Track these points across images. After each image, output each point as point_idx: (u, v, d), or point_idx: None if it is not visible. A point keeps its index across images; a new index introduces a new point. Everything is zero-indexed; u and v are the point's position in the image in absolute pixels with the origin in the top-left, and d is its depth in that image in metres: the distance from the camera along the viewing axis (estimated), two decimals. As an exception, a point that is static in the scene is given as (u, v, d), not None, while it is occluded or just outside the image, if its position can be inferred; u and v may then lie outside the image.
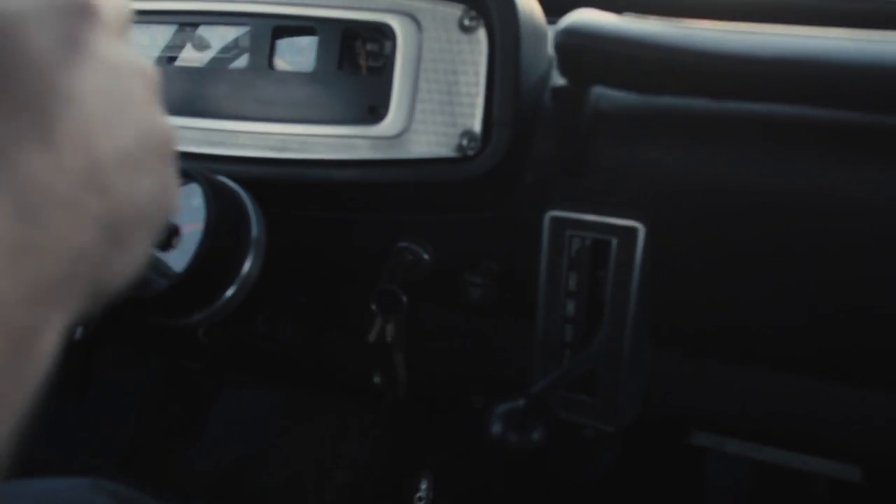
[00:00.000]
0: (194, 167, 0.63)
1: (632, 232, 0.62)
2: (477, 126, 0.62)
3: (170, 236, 0.61)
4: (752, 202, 0.58)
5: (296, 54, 0.71)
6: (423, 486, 1.08)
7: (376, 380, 0.80)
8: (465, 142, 0.62)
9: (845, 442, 0.68)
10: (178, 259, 0.61)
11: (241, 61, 0.72)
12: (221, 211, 0.61)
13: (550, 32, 0.64)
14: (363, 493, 1.15)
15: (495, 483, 1.11)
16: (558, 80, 0.62)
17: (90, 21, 0.28)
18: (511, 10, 0.59)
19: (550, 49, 0.65)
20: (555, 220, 0.64)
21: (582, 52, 0.51)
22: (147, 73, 0.31)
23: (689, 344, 0.69)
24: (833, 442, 0.70)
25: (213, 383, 1.26)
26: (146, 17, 0.77)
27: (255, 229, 0.63)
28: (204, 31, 0.74)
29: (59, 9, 0.27)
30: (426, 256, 0.70)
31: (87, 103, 0.26)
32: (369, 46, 0.68)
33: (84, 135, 0.26)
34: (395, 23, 0.65)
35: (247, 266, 0.63)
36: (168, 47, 0.77)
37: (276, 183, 0.69)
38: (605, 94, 0.60)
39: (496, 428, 0.56)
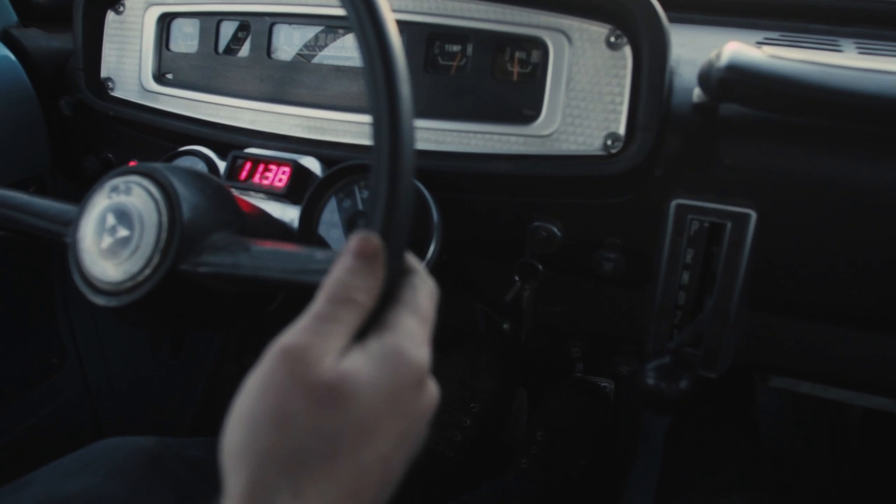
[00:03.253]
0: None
1: (745, 217, 0.75)
2: (622, 129, 0.74)
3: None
4: (846, 197, 0.71)
5: (447, 59, 0.81)
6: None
7: (505, 326, 0.93)
8: (609, 142, 0.74)
9: (893, 380, 0.83)
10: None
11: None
12: (416, 202, 0.72)
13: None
14: (489, 417, 1.37)
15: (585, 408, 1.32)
16: (684, 89, 0.74)
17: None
18: (660, 32, 0.70)
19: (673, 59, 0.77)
20: (679, 206, 0.76)
21: (738, 85, 0.63)
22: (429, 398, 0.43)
23: (777, 306, 0.83)
24: (883, 381, 0.85)
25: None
26: (302, 18, 0.86)
27: (435, 216, 0.75)
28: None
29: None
30: (558, 233, 0.82)
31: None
32: (519, 55, 0.79)
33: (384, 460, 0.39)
34: (547, 37, 0.76)
35: (431, 250, 0.75)
36: (317, 46, 0.87)
37: (435, 172, 0.80)
38: (729, 105, 0.72)
39: (650, 380, 0.70)
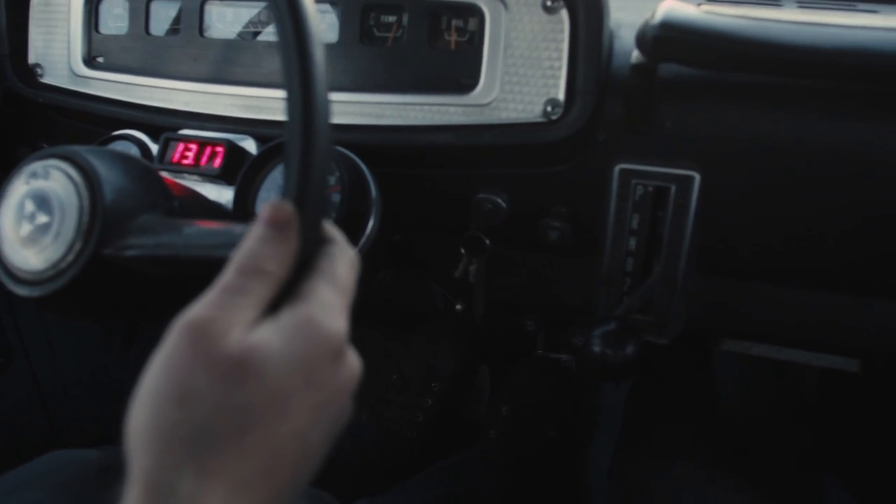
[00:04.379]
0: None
1: (688, 179, 0.74)
2: (561, 94, 0.73)
3: None
4: (788, 154, 0.71)
5: (383, 30, 0.79)
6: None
7: (458, 307, 0.92)
8: (549, 108, 0.73)
9: (851, 340, 0.84)
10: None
11: (332, 37, 0.80)
12: (351, 177, 0.71)
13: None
14: (451, 396, 1.37)
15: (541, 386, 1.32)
16: (624, 53, 0.73)
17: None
18: (595, -5, 0.69)
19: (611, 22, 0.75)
20: (623, 171, 0.76)
21: (674, 43, 0.62)
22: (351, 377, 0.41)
23: (726, 269, 0.82)
24: (839, 341, 0.85)
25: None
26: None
27: (373, 191, 0.73)
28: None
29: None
30: (504, 204, 0.81)
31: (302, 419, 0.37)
32: (455, 23, 0.77)
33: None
34: (483, 4, 0.74)
35: (370, 226, 0.73)
36: (252, 23, 0.84)
37: (373, 147, 0.78)
38: (668, 66, 0.71)
39: (596, 346, 0.69)
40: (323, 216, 0.43)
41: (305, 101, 0.41)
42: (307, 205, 0.41)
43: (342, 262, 0.42)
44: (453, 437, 1.40)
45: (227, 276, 0.38)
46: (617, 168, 0.75)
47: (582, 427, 1.38)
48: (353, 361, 0.41)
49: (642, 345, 0.71)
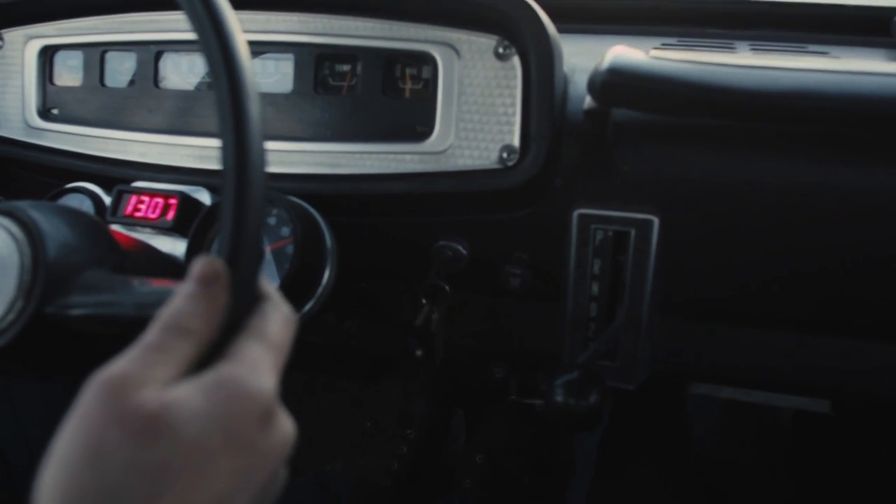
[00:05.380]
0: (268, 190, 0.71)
1: (648, 223, 0.74)
2: (516, 141, 0.72)
3: None
4: (745, 196, 0.70)
5: (338, 80, 0.79)
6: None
7: (418, 353, 0.90)
8: (505, 154, 0.72)
9: (817, 381, 0.83)
10: (269, 276, 0.70)
11: (286, 86, 0.80)
12: (305, 228, 0.69)
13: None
14: (426, 441, 1.34)
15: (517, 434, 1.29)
16: (578, 98, 0.72)
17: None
18: (545, 40, 0.69)
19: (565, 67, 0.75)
20: (582, 216, 0.75)
21: (622, 88, 0.61)
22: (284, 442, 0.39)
23: (691, 312, 0.81)
24: (806, 382, 0.84)
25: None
26: (190, 46, 0.83)
27: (329, 241, 0.72)
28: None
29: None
30: (464, 252, 0.80)
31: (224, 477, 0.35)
32: (409, 71, 0.77)
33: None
34: (435, 52, 0.74)
35: (326, 275, 0.72)
36: (206, 73, 0.84)
37: (330, 196, 0.77)
38: (622, 111, 0.71)
39: (559, 396, 0.67)
40: (256, 273, 0.41)
41: (238, 158, 0.40)
42: (239, 261, 0.40)
43: (275, 319, 0.40)
44: (430, 485, 1.37)
45: (149, 334, 0.37)
46: (576, 213, 0.75)
47: (557, 472, 1.36)
48: (284, 424, 0.39)
49: (605, 392, 0.69)
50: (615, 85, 0.61)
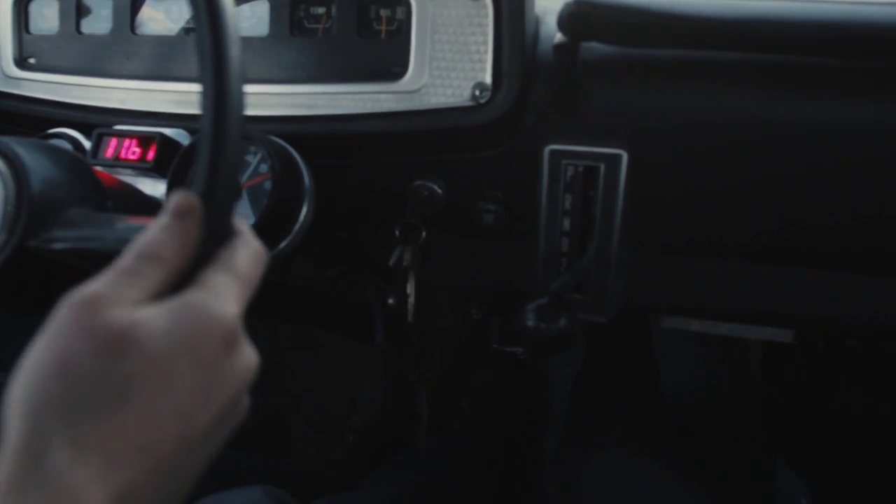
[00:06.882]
0: (248, 129, 0.73)
1: (616, 158, 0.76)
2: (488, 78, 0.74)
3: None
4: (714, 130, 0.73)
5: (313, 22, 0.80)
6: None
7: (391, 301, 0.93)
8: (477, 92, 0.74)
9: (782, 311, 0.86)
10: (243, 213, 0.71)
11: (262, 30, 0.81)
12: (283, 165, 0.71)
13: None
14: (376, 431, 1.32)
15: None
16: (549, 37, 0.74)
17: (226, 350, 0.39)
18: (514, -21, 0.70)
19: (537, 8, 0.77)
20: (552, 152, 0.77)
21: (589, 19, 0.63)
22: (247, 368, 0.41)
23: (660, 246, 0.84)
24: (772, 312, 0.88)
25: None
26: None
27: (307, 180, 0.74)
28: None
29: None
30: (439, 191, 0.82)
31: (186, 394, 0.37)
32: (383, 12, 0.78)
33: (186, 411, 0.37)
34: (408, -8, 0.75)
35: (303, 214, 0.73)
36: (183, 18, 0.85)
37: (307, 137, 0.79)
38: (591, 46, 0.73)
39: (530, 320, 0.70)
40: (229, 209, 0.44)
41: (216, 97, 0.42)
42: (213, 197, 0.42)
43: (244, 252, 0.43)
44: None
45: (123, 260, 0.39)
46: (547, 149, 0.77)
47: (537, 418, 1.40)
48: (248, 352, 0.41)
49: (574, 318, 0.72)
50: (582, 15, 0.63)
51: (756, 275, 0.84)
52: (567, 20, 0.64)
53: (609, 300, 0.84)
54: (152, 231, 0.40)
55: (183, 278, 0.41)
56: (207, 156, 0.42)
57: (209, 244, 0.42)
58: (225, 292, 0.40)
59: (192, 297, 0.39)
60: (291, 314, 1.18)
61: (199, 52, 0.43)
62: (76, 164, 0.66)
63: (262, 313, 1.37)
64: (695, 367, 1.29)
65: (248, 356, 0.41)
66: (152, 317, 0.37)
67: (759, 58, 0.68)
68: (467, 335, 1.37)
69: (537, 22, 0.77)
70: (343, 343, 1.33)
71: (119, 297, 0.37)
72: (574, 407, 1.09)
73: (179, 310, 0.38)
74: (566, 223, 0.81)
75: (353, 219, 0.89)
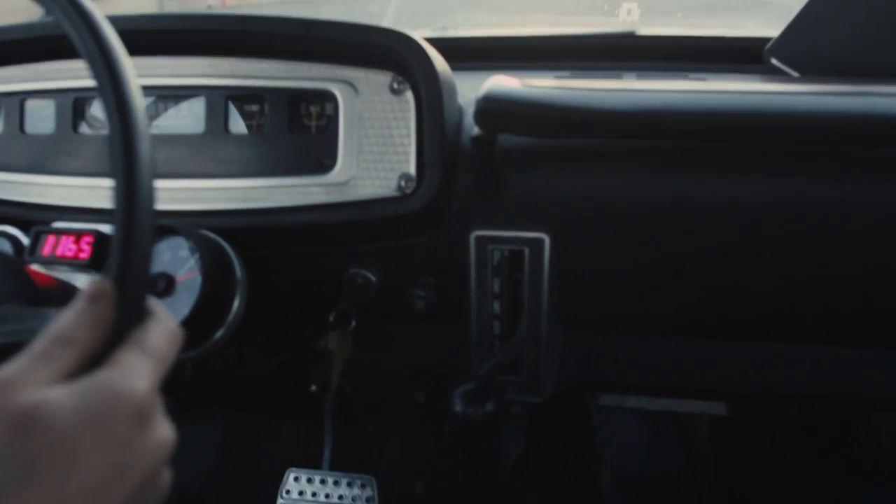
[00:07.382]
0: (178, 223, 0.75)
1: (539, 242, 0.79)
2: (412, 169, 0.77)
3: (167, 286, 0.73)
4: (627, 210, 0.76)
5: (247, 119, 0.84)
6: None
7: (313, 388, 0.92)
8: (403, 183, 0.78)
9: (714, 385, 0.88)
10: (177, 306, 0.73)
11: (199, 127, 0.84)
12: (213, 259, 0.73)
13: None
14: None
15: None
16: (472, 127, 0.78)
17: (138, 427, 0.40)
18: (433, 75, 0.75)
19: (459, 100, 0.81)
20: (478, 238, 0.80)
21: (497, 113, 0.67)
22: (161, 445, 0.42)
23: (589, 323, 0.87)
24: (705, 386, 0.89)
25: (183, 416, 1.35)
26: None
27: (238, 272, 0.76)
28: (162, 103, 0.85)
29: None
30: (373, 278, 0.84)
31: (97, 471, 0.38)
32: (313, 108, 0.82)
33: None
34: (335, 89, 0.79)
35: (235, 305, 0.75)
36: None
37: (242, 230, 0.81)
38: (509, 136, 0.77)
39: (457, 406, 0.71)
40: (142, 292, 0.45)
41: (127, 193, 0.44)
42: (125, 281, 0.44)
43: (156, 332, 0.44)
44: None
45: (37, 343, 0.40)
46: (473, 235, 0.80)
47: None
48: (163, 428, 0.42)
49: (502, 401, 0.74)
50: (491, 111, 0.67)
51: (686, 349, 0.86)
52: (479, 115, 0.68)
53: (543, 380, 0.86)
54: (67, 315, 0.41)
55: (95, 359, 0.42)
56: (119, 243, 0.44)
57: (122, 326, 0.44)
58: (135, 370, 0.41)
59: (101, 376, 0.40)
60: (241, 403, 1.18)
61: (111, 148, 0.45)
62: (7, 264, 0.68)
63: (212, 403, 1.37)
64: (643, 442, 1.30)
65: (162, 432, 0.42)
66: (60, 396, 0.38)
67: (668, 144, 0.72)
68: (414, 419, 1.37)
69: (461, 113, 0.81)
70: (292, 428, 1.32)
71: (30, 379, 0.38)
72: (515, 490, 1.09)
73: (88, 388, 0.39)
74: (496, 306, 0.83)
75: (290, 307, 0.91)
